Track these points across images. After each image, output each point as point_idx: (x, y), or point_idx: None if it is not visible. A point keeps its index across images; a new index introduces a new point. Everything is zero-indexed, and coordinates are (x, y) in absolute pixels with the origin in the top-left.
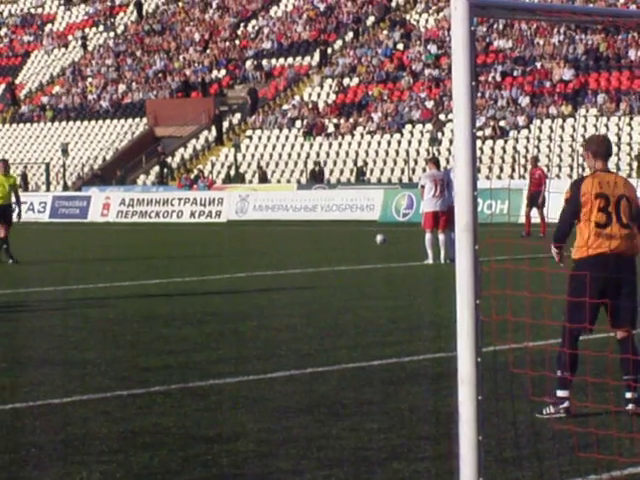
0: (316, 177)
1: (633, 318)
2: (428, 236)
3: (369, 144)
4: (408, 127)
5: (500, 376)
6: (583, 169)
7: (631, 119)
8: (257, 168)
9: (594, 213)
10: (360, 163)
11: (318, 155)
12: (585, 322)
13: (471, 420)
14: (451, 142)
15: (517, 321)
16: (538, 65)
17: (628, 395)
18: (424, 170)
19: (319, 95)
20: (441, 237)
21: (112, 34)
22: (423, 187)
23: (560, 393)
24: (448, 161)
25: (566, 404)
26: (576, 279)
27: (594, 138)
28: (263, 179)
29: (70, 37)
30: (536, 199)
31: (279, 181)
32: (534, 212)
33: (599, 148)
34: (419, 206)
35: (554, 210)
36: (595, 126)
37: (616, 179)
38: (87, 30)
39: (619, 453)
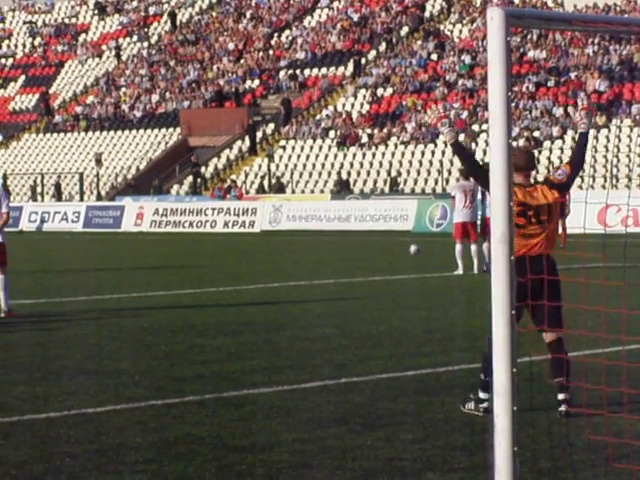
0: (343, 187)
1: (559, 318)
2: (459, 247)
3: (403, 154)
4: (442, 138)
5: (535, 387)
6: (617, 180)
7: None
8: (337, 176)
9: (513, 217)
10: (394, 173)
11: (352, 165)
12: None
13: (506, 431)
14: (484, 152)
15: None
16: (572, 76)
17: (560, 397)
18: (457, 180)
19: (353, 105)
20: (473, 247)
21: (146, 44)
22: (454, 198)
23: (482, 395)
24: None
25: (485, 404)
26: None
27: (516, 152)
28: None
29: (104, 47)
30: (562, 209)
31: (313, 191)
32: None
33: (519, 162)
34: (453, 216)
35: (575, 220)
36: (629, 136)
37: (535, 190)
38: (121, 40)
39: None
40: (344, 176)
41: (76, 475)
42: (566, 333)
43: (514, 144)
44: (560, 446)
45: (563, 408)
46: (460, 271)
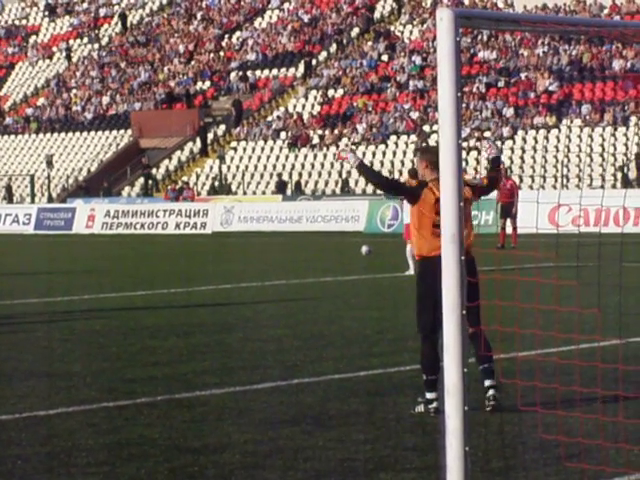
0: (282, 188)
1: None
2: (409, 247)
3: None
4: (393, 138)
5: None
6: (568, 180)
7: (615, 130)
8: (277, 177)
9: (432, 217)
10: (345, 174)
11: (303, 166)
12: (429, 320)
13: (457, 430)
14: None
15: (505, 331)
16: (522, 76)
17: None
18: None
19: (304, 106)
20: None
21: (96, 46)
22: (402, 199)
23: (429, 395)
24: None
25: (435, 404)
26: (418, 277)
27: (431, 149)
28: (281, 189)
29: (54, 49)
30: (509, 210)
31: (264, 192)
32: (507, 223)
33: (436, 158)
34: (403, 217)
35: (527, 220)
36: (579, 137)
37: None
38: (71, 42)
39: (605, 463)
40: (295, 177)
41: (28, 478)
42: (520, 332)
43: (434, 142)
44: (512, 445)
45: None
46: (411, 271)
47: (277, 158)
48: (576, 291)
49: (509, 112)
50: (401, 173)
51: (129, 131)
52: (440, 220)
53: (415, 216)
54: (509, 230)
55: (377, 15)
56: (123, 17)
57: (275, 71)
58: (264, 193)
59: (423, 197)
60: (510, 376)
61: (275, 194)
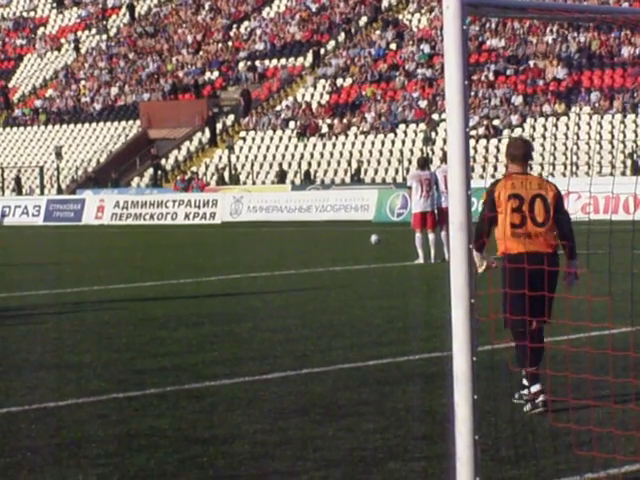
0: (283, 177)
1: (549, 309)
2: (418, 236)
3: (363, 144)
4: (402, 127)
5: (497, 375)
6: (577, 167)
7: (624, 117)
8: (278, 167)
9: (509, 214)
10: (354, 163)
11: (312, 156)
12: (522, 314)
13: (467, 419)
14: (445, 141)
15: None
16: (531, 64)
17: (536, 388)
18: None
19: (312, 96)
20: (431, 237)
21: (105, 37)
22: (410, 188)
23: (534, 388)
24: (442, 161)
25: (542, 397)
26: (504, 273)
27: (513, 142)
28: (280, 179)
29: (63, 40)
30: None
31: (273, 182)
32: None
33: (516, 152)
34: (413, 206)
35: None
36: (589, 124)
37: (531, 179)
38: (80, 33)
39: (616, 451)
40: (304, 167)
41: (38, 469)
42: (527, 321)
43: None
44: (522, 434)
45: (542, 398)
46: (421, 260)
47: (286, 148)
48: (586, 279)
49: (518, 100)
50: (410, 162)
51: (138, 122)
52: (517, 218)
53: (499, 226)
54: None
55: (385, 4)
56: (131, 8)
57: (283, 60)
58: (273, 183)
59: (498, 204)
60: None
61: (276, 184)
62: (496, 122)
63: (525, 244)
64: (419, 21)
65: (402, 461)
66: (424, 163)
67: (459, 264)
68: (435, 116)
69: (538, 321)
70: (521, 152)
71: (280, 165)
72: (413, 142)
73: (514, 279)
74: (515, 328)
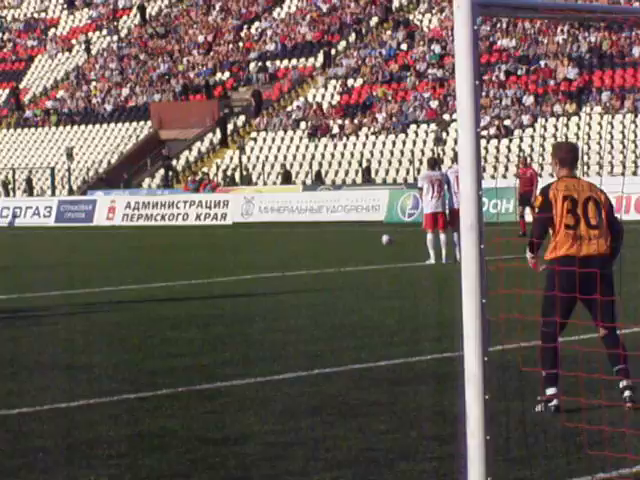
0: (286, 179)
1: (612, 313)
2: (429, 236)
3: (374, 145)
4: (413, 127)
5: (508, 375)
6: (588, 167)
7: (636, 117)
8: (281, 168)
9: (563, 215)
10: (365, 164)
11: (323, 156)
12: (558, 319)
13: (478, 419)
14: (456, 142)
15: (525, 320)
16: (542, 64)
17: (623, 383)
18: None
19: (323, 96)
20: (442, 237)
21: (115, 38)
22: (421, 189)
23: (549, 391)
24: (453, 161)
25: (555, 402)
26: (549, 278)
27: (561, 146)
28: (285, 179)
29: (74, 41)
30: (528, 198)
31: (290, 182)
32: (526, 211)
33: (566, 155)
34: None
35: None
36: (600, 124)
37: (581, 183)
38: (90, 34)
39: (628, 451)
40: (315, 167)
41: (49, 470)
42: (540, 321)
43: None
44: (533, 434)
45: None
46: (432, 260)
47: (297, 148)
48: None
49: (529, 100)
50: (421, 162)
51: (149, 123)
52: (571, 219)
53: (553, 229)
54: (528, 218)
55: (396, 4)
56: (142, 9)
57: (294, 61)
58: (291, 183)
59: (554, 206)
60: (532, 365)
61: (282, 184)
62: (507, 122)
63: (577, 247)
64: (430, 21)
65: (413, 461)
66: (434, 163)
67: (470, 264)
68: (446, 116)
69: (606, 327)
70: (570, 156)
71: (283, 166)
72: (424, 142)
73: (562, 281)
74: (548, 328)
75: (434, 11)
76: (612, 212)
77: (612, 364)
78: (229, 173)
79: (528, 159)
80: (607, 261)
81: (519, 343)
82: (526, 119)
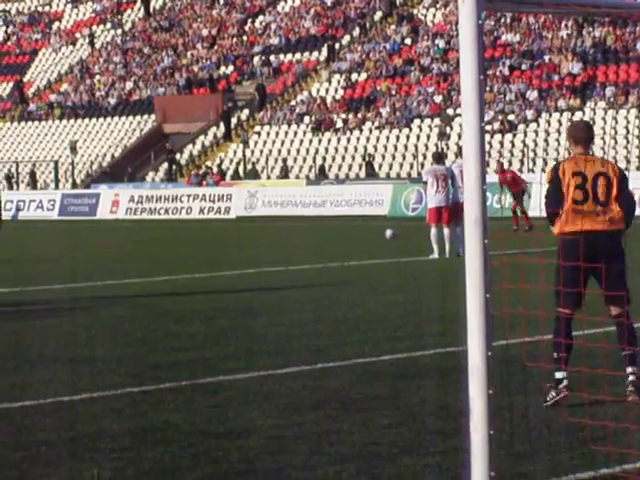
0: (287, 172)
1: (624, 286)
2: (433, 231)
3: (378, 139)
4: (416, 122)
5: (512, 370)
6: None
7: (639, 112)
8: (282, 162)
9: (571, 190)
10: (369, 158)
11: (327, 150)
12: (572, 299)
13: (482, 414)
14: (459, 136)
15: (529, 315)
16: (546, 59)
17: (629, 370)
18: (430, 164)
19: (327, 90)
20: (446, 231)
21: (119, 31)
22: (426, 183)
23: (558, 375)
24: (457, 155)
25: (565, 382)
26: (559, 254)
27: (575, 124)
28: (284, 174)
29: (78, 35)
30: (522, 192)
31: (288, 177)
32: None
33: (580, 134)
34: (428, 201)
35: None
36: (604, 119)
37: (594, 159)
38: (94, 27)
39: (631, 446)
40: (319, 161)
41: (52, 463)
42: (544, 316)
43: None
44: (537, 429)
45: (631, 378)
46: (435, 255)
47: (301, 142)
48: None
49: (533, 95)
50: (424, 157)
51: (153, 116)
52: (579, 195)
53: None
54: (531, 213)
55: None
56: (146, 2)
57: (298, 55)
58: (288, 177)
59: (563, 181)
60: (535, 359)
61: (280, 179)
62: (511, 117)
63: (585, 222)
64: (434, 16)
65: (417, 456)
66: (439, 157)
67: (474, 259)
68: (450, 111)
69: (616, 307)
70: (584, 134)
71: (284, 161)
72: (428, 137)
73: (570, 256)
74: (564, 307)
75: (438, 5)
76: (624, 185)
77: (621, 344)
78: (226, 168)
79: (505, 164)
80: (616, 237)
81: (523, 338)
82: (530, 114)
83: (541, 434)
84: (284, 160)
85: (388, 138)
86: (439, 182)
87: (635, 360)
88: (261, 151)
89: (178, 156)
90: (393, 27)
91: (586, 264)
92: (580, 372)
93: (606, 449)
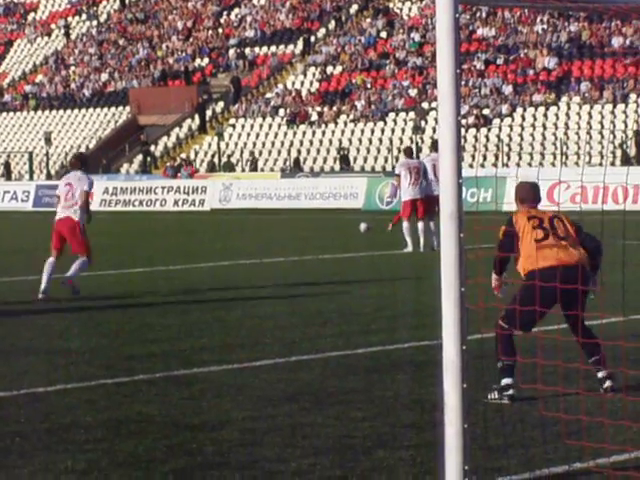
0: (253, 164)
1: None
2: (406, 224)
3: (352, 132)
4: (391, 115)
5: (486, 364)
6: (567, 157)
7: (614, 107)
8: (249, 155)
9: (531, 232)
10: (344, 151)
11: (302, 143)
12: (528, 324)
13: (456, 408)
14: (434, 130)
15: (504, 308)
16: (521, 53)
17: (600, 375)
18: (401, 158)
19: (302, 83)
20: (420, 225)
21: (95, 22)
22: (399, 176)
23: (505, 381)
24: (431, 149)
25: (511, 391)
26: (527, 289)
27: (521, 186)
28: (253, 167)
29: (53, 26)
30: None
31: (262, 169)
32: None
33: (527, 195)
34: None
35: None
36: (579, 114)
37: (544, 210)
38: (70, 19)
39: (605, 440)
40: (294, 154)
41: (26, 454)
42: (517, 310)
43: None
44: (511, 423)
45: (607, 384)
46: (409, 248)
47: (275, 135)
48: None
49: (508, 89)
50: (399, 150)
51: (127, 108)
52: (540, 233)
53: (522, 249)
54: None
55: None
56: None
57: (274, 48)
58: (262, 170)
59: (518, 228)
60: (509, 354)
61: (245, 172)
62: (486, 111)
63: (553, 256)
64: (410, 9)
65: (391, 449)
66: (411, 152)
67: (449, 253)
68: (425, 105)
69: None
70: (531, 195)
71: (252, 153)
72: (403, 131)
73: (543, 292)
74: (510, 326)
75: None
76: (582, 231)
77: (587, 356)
78: (209, 159)
79: (479, 158)
80: (586, 273)
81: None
82: (505, 108)
83: (515, 428)
84: (251, 153)
85: (363, 131)
86: (412, 175)
87: (605, 363)
88: (236, 144)
89: (153, 148)
90: (369, 20)
91: (556, 297)
92: (555, 366)
93: (580, 443)
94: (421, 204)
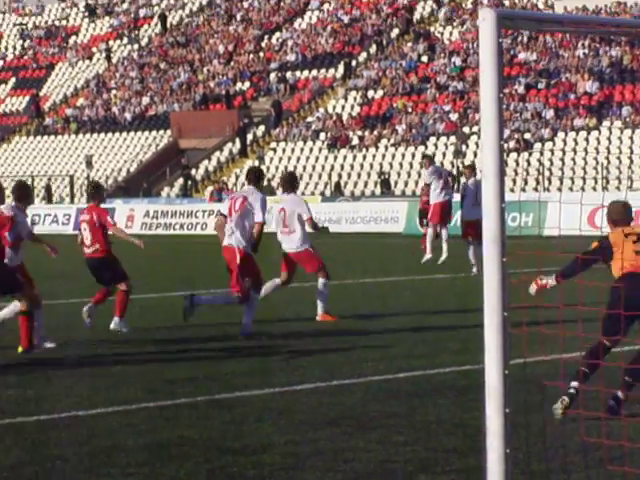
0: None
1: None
2: (430, 232)
3: (393, 156)
4: (432, 139)
5: (529, 388)
6: (608, 182)
7: None
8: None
9: (631, 245)
10: (384, 175)
11: (342, 167)
12: (609, 329)
13: (498, 432)
14: (475, 154)
15: (548, 334)
16: (563, 78)
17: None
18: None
19: (343, 107)
20: (443, 233)
21: (136, 46)
22: (428, 185)
23: (574, 383)
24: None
25: (572, 391)
26: (613, 293)
27: (614, 207)
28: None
29: (94, 49)
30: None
31: (303, 193)
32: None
33: (619, 216)
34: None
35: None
36: (620, 138)
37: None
38: (111, 42)
39: None
40: (334, 178)
41: (68, 478)
42: (563, 335)
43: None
44: (553, 448)
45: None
46: (428, 255)
47: (316, 159)
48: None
49: (549, 114)
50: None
51: (168, 131)
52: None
53: (622, 255)
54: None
55: (417, 16)
56: (163, 18)
57: (315, 72)
58: (303, 194)
59: (613, 242)
60: (553, 378)
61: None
62: (527, 135)
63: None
64: (451, 34)
65: (432, 474)
66: (432, 160)
67: (492, 277)
68: (466, 129)
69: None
70: (624, 217)
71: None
72: (443, 155)
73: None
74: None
75: (455, 23)
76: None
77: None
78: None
79: (520, 183)
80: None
81: (540, 356)
82: (546, 133)
83: (557, 453)
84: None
85: (404, 155)
86: (443, 181)
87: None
88: (277, 167)
89: (193, 172)
90: (410, 44)
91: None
92: (597, 392)
93: (622, 469)
94: (446, 206)
